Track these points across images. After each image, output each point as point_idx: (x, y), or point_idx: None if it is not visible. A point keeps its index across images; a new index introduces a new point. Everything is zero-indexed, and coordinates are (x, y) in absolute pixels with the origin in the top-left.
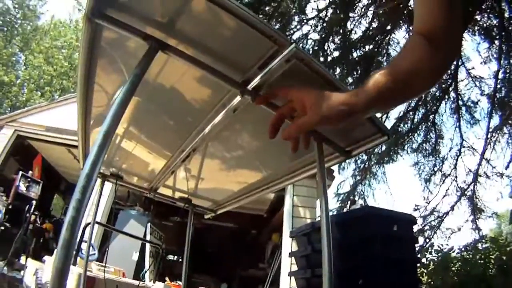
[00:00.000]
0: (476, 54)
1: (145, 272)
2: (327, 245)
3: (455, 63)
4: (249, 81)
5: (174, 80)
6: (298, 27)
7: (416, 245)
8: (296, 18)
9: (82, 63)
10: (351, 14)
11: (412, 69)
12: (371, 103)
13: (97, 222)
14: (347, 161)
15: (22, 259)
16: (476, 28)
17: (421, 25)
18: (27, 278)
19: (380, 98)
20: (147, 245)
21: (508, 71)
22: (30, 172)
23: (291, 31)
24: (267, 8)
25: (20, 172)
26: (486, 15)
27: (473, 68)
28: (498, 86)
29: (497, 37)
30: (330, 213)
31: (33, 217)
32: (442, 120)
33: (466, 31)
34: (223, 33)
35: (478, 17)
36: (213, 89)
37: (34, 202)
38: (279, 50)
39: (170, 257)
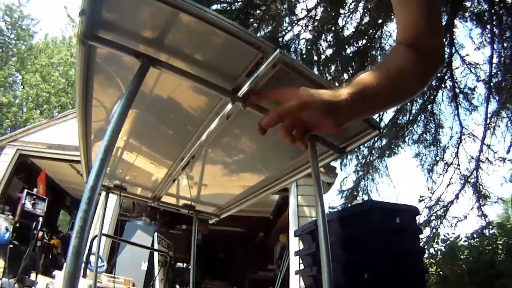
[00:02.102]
0: (469, 40)
1: (154, 281)
2: (324, 243)
3: (448, 51)
4: (239, 89)
5: (169, 92)
6: (289, 28)
7: (420, 236)
8: (287, 19)
9: (79, 83)
10: (341, 11)
11: (396, 74)
12: (353, 98)
13: (104, 234)
14: (349, 157)
15: (32, 276)
16: (467, 14)
17: (402, 34)
18: None
19: (363, 96)
20: (155, 254)
21: (502, 55)
22: (35, 189)
23: (283, 33)
24: (257, 12)
25: (25, 190)
26: (476, 1)
27: (467, 54)
28: (494, 71)
29: (489, 21)
30: (334, 210)
31: (40, 233)
32: (440, 109)
33: (457, 18)
34: (210, 45)
35: (468, 3)
36: (206, 98)
37: (40, 219)
38: (264, 57)
39: (179, 264)
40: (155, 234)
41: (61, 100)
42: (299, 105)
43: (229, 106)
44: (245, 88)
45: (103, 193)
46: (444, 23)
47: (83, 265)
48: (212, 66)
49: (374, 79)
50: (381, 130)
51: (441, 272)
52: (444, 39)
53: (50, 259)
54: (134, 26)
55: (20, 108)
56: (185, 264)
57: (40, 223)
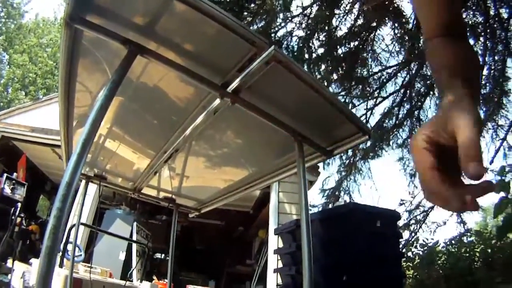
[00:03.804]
0: None
1: (132, 271)
2: (307, 243)
3: None
4: (228, 84)
5: (156, 82)
6: (283, 24)
7: (400, 240)
8: (281, 15)
9: (62, 66)
10: (336, 11)
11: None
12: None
13: (82, 223)
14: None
15: (9, 262)
16: None
17: (435, 27)
18: (15, 281)
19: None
20: (134, 245)
21: (492, 67)
22: (15, 174)
23: (276, 29)
24: (252, 6)
25: (5, 175)
26: (471, 12)
27: None
28: (483, 82)
29: (482, 34)
30: (316, 210)
31: (18, 219)
32: (427, 115)
33: None
34: (202, 36)
35: (463, 14)
36: (194, 91)
37: (19, 204)
38: (258, 53)
39: (158, 255)
40: (134, 223)
41: (47, 82)
42: None
43: (217, 101)
44: (235, 84)
45: (83, 181)
46: None
47: (59, 254)
48: (202, 58)
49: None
50: (371, 136)
51: (418, 276)
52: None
53: (28, 245)
54: (124, 11)
55: (6, 89)
56: (163, 255)
57: (19, 208)
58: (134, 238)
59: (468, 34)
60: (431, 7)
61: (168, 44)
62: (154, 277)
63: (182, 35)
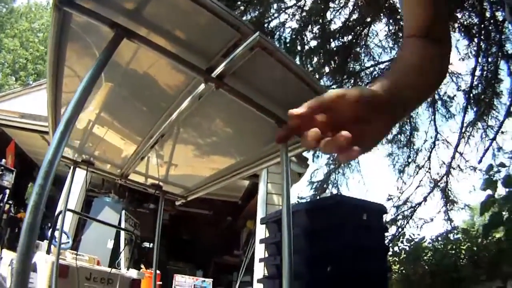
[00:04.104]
0: (454, 50)
1: (119, 259)
2: (287, 233)
3: None
4: (213, 69)
5: (142, 66)
6: (276, 15)
7: (386, 234)
8: (275, 6)
9: (51, 49)
10: (331, 4)
11: (422, 65)
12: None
13: (69, 210)
14: None
15: None
16: (457, 25)
17: (414, 26)
18: (3, 269)
19: (408, 89)
20: (122, 233)
21: (485, 68)
22: (4, 160)
23: (269, 19)
24: None
25: None
26: (467, 13)
27: (451, 63)
28: (475, 83)
29: (477, 35)
30: (303, 201)
31: (7, 206)
32: (417, 112)
33: None
34: (187, 21)
35: (459, 15)
36: (180, 75)
37: (7, 191)
38: (242, 39)
39: (146, 244)
40: (123, 212)
41: (38, 68)
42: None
43: (202, 86)
44: (219, 69)
45: (71, 167)
46: None
47: (46, 241)
48: (187, 43)
49: (409, 70)
50: None
51: (403, 271)
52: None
53: (16, 233)
54: None
55: None
56: (151, 244)
57: (7, 195)
58: (123, 226)
59: (450, 39)
60: (414, 8)
61: (154, 29)
62: (142, 266)
63: (168, 20)
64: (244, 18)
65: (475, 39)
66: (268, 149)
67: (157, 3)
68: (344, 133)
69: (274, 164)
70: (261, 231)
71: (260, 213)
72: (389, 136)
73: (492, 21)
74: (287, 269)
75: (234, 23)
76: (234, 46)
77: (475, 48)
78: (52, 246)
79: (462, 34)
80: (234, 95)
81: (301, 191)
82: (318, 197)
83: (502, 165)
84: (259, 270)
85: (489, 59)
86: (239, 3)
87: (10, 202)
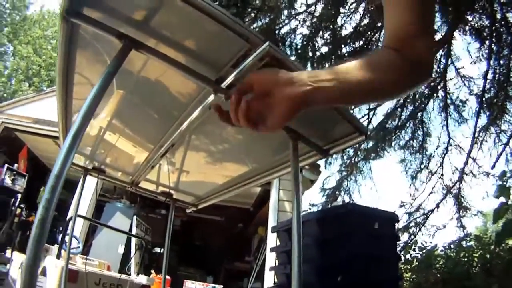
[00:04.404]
0: (466, 53)
1: (130, 265)
2: (297, 243)
3: (444, 61)
4: (223, 79)
5: (153, 76)
6: (287, 21)
7: (397, 242)
8: (285, 12)
9: (60, 60)
10: (341, 10)
11: (376, 72)
12: (326, 79)
13: (80, 216)
14: (334, 156)
15: (8, 253)
16: (468, 28)
17: (389, 37)
18: (13, 272)
19: (338, 81)
20: (133, 238)
21: (497, 71)
22: (16, 165)
23: (280, 26)
24: (256, 1)
25: (6, 165)
26: (478, 16)
27: (462, 67)
28: (487, 87)
29: (488, 37)
30: (315, 208)
31: (18, 210)
32: (430, 118)
33: (457, 30)
34: (197, 32)
35: (469, 17)
36: (190, 85)
37: (19, 195)
38: (252, 49)
39: (157, 249)
40: (134, 217)
41: (51, 74)
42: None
43: (212, 96)
44: (229, 80)
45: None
46: (443, 34)
47: (57, 246)
48: (197, 53)
49: (353, 69)
50: (367, 136)
51: (415, 279)
52: (434, 50)
53: (27, 236)
54: (120, 5)
55: (9, 80)
56: (162, 249)
57: (19, 199)
58: (134, 231)
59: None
60: (393, 18)
61: (163, 39)
62: (152, 271)
63: (177, 30)
64: (255, 25)
65: (487, 42)
66: (280, 158)
67: (165, 13)
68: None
69: (285, 174)
70: (272, 238)
71: (272, 220)
72: (402, 142)
73: (503, 22)
74: (297, 278)
75: (243, 33)
76: (244, 56)
77: (486, 51)
78: (62, 251)
79: (473, 37)
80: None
81: (313, 197)
82: (329, 205)
83: None
84: (270, 278)
85: (501, 62)
86: (249, 10)
87: (22, 205)
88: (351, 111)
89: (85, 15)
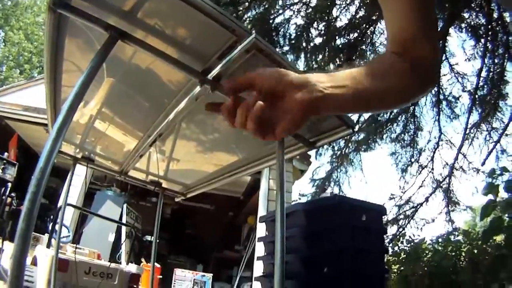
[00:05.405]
0: (461, 50)
1: (120, 253)
2: (280, 234)
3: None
4: (209, 71)
5: (142, 67)
6: (281, 11)
7: (384, 235)
8: (280, 2)
9: (47, 50)
10: (337, 1)
11: (380, 80)
12: (336, 86)
13: (70, 204)
14: (325, 147)
15: None
16: (463, 25)
17: (392, 42)
18: (4, 261)
19: (346, 89)
20: (123, 226)
21: (491, 70)
22: (6, 153)
23: (274, 15)
24: None
25: None
26: (474, 13)
27: (456, 64)
28: (480, 84)
29: (484, 35)
30: (305, 199)
31: (9, 199)
32: (422, 112)
33: (452, 27)
34: (183, 23)
35: (466, 15)
36: (177, 76)
37: (9, 185)
38: (238, 41)
39: (148, 237)
40: (125, 205)
41: (42, 61)
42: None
43: (198, 87)
44: (215, 71)
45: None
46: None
47: (47, 235)
48: (183, 45)
49: (360, 76)
50: (354, 130)
51: (402, 271)
52: (439, 54)
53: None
54: None
55: (0, 66)
56: (152, 237)
57: (9, 188)
58: (124, 219)
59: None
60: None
61: (149, 31)
62: (143, 260)
63: (163, 22)
64: (249, 14)
65: (482, 40)
66: (266, 149)
67: (152, 5)
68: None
69: (271, 165)
70: (262, 228)
71: (262, 209)
72: (393, 135)
73: (499, 22)
74: (279, 269)
75: (229, 25)
76: (230, 48)
77: (481, 49)
78: (52, 240)
79: (469, 35)
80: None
81: (303, 188)
82: (318, 197)
83: (505, 169)
84: (259, 267)
85: (496, 60)
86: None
87: (13, 195)
88: None
89: (72, 6)
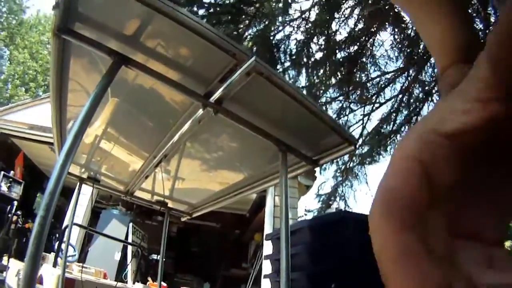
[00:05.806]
0: None
1: (126, 272)
2: (285, 252)
3: None
4: (211, 94)
5: (146, 90)
6: (281, 28)
7: None
8: (280, 18)
9: (53, 74)
10: (336, 15)
11: None
12: None
13: (76, 224)
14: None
15: (4, 260)
16: None
17: (452, 53)
18: (10, 279)
19: None
20: (129, 245)
21: None
22: (12, 172)
23: (274, 32)
24: (250, 8)
25: (2, 173)
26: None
27: None
28: None
29: (481, 40)
30: (311, 214)
31: (15, 217)
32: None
33: None
34: (185, 48)
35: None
36: (180, 99)
37: (15, 203)
38: (238, 64)
39: (154, 256)
40: (130, 224)
41: (48, 79)
42: None
43: (201, 110)
44: (217, 94)
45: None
46: None
47: (53, 254)
48: (185, 69)
49: None
50: (356, 147)
51: None
52: None
53: (24, 243)
54: (110, 23)
55: (6, 85)
56: (159, 256)
57: (15, 206)
58: (130, 239)
59: None
60: (437, 25)
61: (152, 55)
62: (149, 278)
63: (166, 46)
64: (249, 31)
65: None
66: (270, 169)
67: (154, 30)
68: None
69: (275, 184)
70: (269, 245)
71: (268, 226)
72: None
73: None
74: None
75: (230, 49)
76: (231, 71)
77: None
78: (58, 259)
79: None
80: (233, 119)
81: (309, 203)
82: (323, 212)
83: None
84: (266, 285)
85: None
86: (244, 16)
87: (18, 213)
88: (339, 122)
89: (76, 32)
